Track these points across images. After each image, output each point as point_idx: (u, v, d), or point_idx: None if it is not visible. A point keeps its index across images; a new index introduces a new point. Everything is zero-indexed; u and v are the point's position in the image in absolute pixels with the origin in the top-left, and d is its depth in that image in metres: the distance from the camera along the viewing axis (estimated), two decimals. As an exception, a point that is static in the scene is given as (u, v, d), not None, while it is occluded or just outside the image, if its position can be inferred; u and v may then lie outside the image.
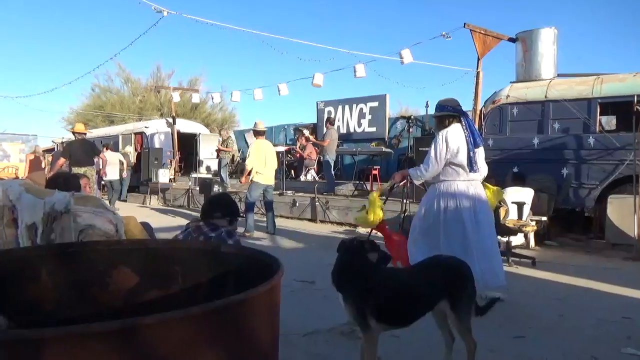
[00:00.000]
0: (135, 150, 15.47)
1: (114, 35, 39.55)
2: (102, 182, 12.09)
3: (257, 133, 7.83)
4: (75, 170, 8.31)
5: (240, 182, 7.85)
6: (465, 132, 3.77)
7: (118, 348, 0.68)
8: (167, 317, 0.72)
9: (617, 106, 7.32)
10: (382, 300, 2.23)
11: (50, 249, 1.43)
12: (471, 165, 3.75)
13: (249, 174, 7.58)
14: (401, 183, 4.78)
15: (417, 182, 4.00)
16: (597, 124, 7.14)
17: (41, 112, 51.35)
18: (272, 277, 0.93)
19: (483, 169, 3.91)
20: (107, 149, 11.71)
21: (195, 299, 1.20)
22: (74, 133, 9.16)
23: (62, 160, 8.74)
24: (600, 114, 7.23)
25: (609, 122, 8.62)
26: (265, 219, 7.91)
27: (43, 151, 18.80)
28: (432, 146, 3.82)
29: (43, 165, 13.41)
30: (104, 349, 0.67)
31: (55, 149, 18.68)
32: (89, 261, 1.30)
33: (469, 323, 2.51)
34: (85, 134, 9.28)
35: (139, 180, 14.29)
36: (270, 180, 7.69)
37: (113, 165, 11.56)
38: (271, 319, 0.97)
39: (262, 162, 7.48)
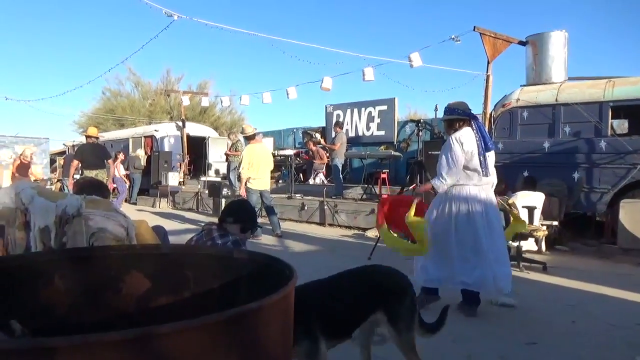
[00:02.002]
0: (145, 153, 15.58)
1: (125, 39, 40.01)
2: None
3: (248, 138, 7.71)
4: (87, 173, 8.39)
5: (240, 195, 7.70)
6: (476, 136, 3.73)
7: (134, 356, 0.68)
8: (183, 326, 0.72)
9: (629, 110, 7.26)
10: (317, 312, 1.98)
11: (63, 254, 1.43)
12: (483, 168, 3.71)
13: (246, 183, 7.52)
14: (412, 186, 4.78)
15: (440, 191, 3.91)
16: (609, 128, 7.07)
17: (53, 116, 51.95)
18: (286, 285, 0.93)
19: (493, 174, 3.87)
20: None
21: (207, 305, 1.20)
22: (86, 136, 9.24)
23: (75, 162, 8.83)
24: (612, 118, 7.18)
25: (621, 125, 8.53)
26: (269, 222, 7.89)
27: (53, 154, 18.95)
28: (447, 150, 3.73)
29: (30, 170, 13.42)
30: (119, 358, 0.67)
31: (67, 152, 18.89)
32: (102, 266, 1.31)
33: (413, 340, 2.32)
34: (97, 137, 9.35)
35: (148, 183, 14.38)
36: (265, 185, 7.60)
37: None
38: (285, 327, 0.96)
39: (255, 168, 7.40)
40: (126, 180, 13.03)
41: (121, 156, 13.45)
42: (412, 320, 2.31)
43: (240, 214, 2.89)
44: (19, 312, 1.16)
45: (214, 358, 0.76)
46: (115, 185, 12.09)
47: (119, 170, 12.67)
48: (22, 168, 12.64)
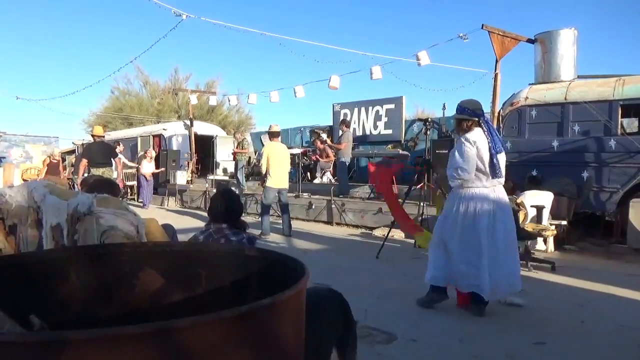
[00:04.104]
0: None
1: (133, 38, 40.22)
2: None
3: (272, 135, 7.85)
4: (94, 171, 8.49)
5: (261, 186, 7.90)
6: (487, 138, 3.70)
7: (152, 350, 0.69)
8: (201, 320, 0.74)
9: (639, 108, 7.19)
10: None
11: (79, 251, 1.46)
12: (494, 171, 3.69)
13: (265, 180, 7.61)
14: (419, 185, 4.77)
15: (452, 185, 3.87)
16: (619, 126, 7.02)
17: (63, 115, 52.40)
18: (298, 282, 0.94)
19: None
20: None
21: (219, 302, 1.22)
22: (92, 136, 9.36)
23: (84, 161, 8.94)
24: (622, 116, 7.12)
25: (631, 124, 8.45)
26: (281, 221, 7.95)
27: (63, 153, 19.15)
28: (460, 149, 3.69)
29: (60, 169, 13.73)
30: (138, 351, 0.69)
31: (76, 151, 19.06)
32: (116, 263, 1.33)
33: None
34: (103, 136, 9.47)
35: (157, 182, 14.48)
36: (283, 184, 7.67)
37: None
38: (297, 324, 0.98)
39: (274, 166, 7.48)
40: (147, 179, 13.01)
41: (150, 154, 13.51)
42: (356, 351, 1.96)
43: (239, 207, 2.97)
44: (37, 307, 1.19)
45: (229, 352, 0.78)
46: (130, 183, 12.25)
47: (142, 168, 12.74)
48: (53, 167, 12.87)
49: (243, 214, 3.14)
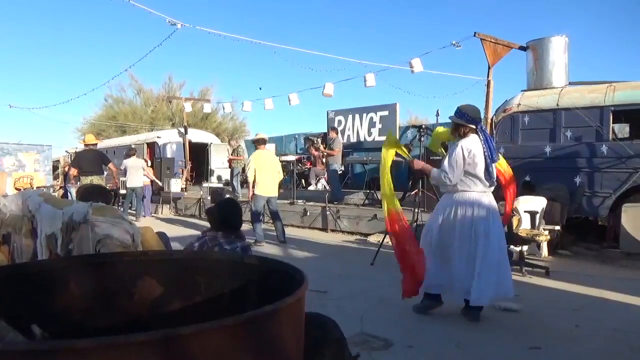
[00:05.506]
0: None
1: (127, 46, 40.22)
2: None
3: (258, 143, 7.84)
4: (83, 179, 8.47)
5: (249, 198, 7.75)
6: (483, 146, 3.74)
7: (157, 357, 0.71)
8: (204, 328, 0.75)
9: (630, 114, 7.29)
10: None
11: (78, 260, 1.47)
12: (489, 178, 3.73)
13: (253, 186, 7.54)
14: (414, 191, 4.78)
15: (432, 182, 3.95)
16: (610, 132, 7.10)
17: (56, 123, 52.11)
18: (298, 289, 0.96)
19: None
20: (132, 154, 11.79)
21: (218, 310, 1.24)
22: (84, 144, 9.34)
23: (73, 169, 8.91)
24: (613, 122, 7.20)
25: (622, 129, 8.55)
26: (274, 228, 7.93)
27: (55, 162, 19.06)
28: (452, 154, 3.75)
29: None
30: (144, 358, 0.70)
31: (69, 159, 18.97)
32: (115, 272, 1.34)
33: None
34: (95, 144, 9.42)
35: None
36: (272, 192, 7.63)
37: (136, 170, 11.29)
38: (297, 331, 0.99)
39: (261, 174, 7.44)
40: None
41: (148, 162, 13.30)
42: None
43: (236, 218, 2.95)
44: (37, 316, 1.19)
45: (232, 359, 0.80)
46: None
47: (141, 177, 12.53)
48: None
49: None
